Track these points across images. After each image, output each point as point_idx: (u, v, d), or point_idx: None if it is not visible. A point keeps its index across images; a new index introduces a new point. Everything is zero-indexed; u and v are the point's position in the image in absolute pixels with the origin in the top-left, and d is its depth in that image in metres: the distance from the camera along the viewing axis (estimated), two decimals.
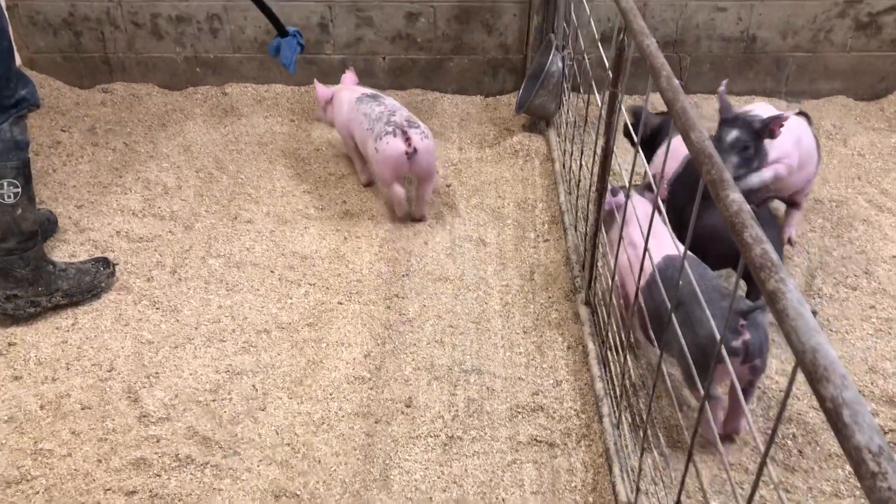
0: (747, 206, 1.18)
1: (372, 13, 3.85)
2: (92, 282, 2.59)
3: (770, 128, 2.29)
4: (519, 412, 2.21)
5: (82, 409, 2.21)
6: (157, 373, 2.31)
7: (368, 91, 3.20)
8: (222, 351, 2.40)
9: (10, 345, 2.42)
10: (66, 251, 2.83)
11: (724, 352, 1.25)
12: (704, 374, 1.71)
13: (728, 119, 2.33)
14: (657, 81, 1.61)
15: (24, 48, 3.95)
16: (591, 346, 2.33)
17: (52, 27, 3.90)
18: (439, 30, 3.89)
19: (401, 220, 3.03)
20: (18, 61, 3.96)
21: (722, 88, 2.37)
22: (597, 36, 2.53)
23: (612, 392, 2.17)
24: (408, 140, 2.82)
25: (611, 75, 2.14)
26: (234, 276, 2.73)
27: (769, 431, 1.96)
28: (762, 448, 1.11)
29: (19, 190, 2.38)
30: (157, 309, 2.57)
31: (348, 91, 3.25)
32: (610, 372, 2.22)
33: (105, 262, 2.67)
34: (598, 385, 2.19)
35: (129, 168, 3.36)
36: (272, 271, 2.76)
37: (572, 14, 3.15)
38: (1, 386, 2.28)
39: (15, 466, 2.03)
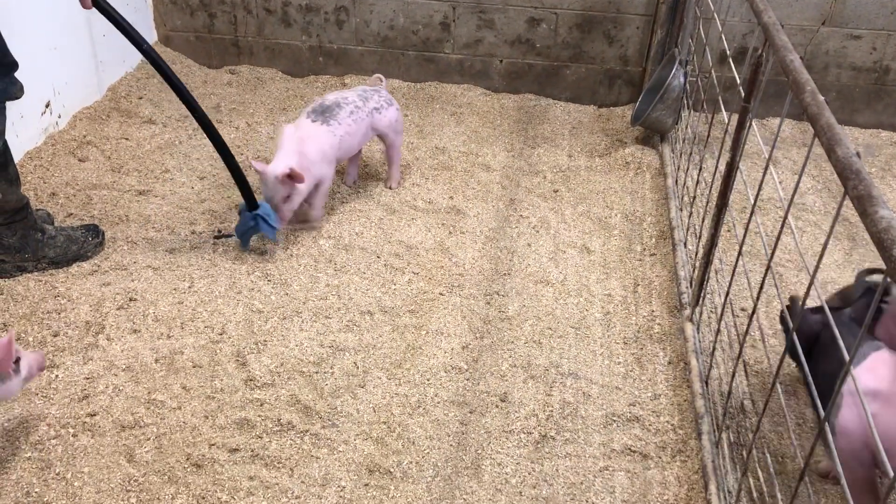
0: None
1: (494, 16, 3.90)
2: (79, 251, 2.68)
3: None
4: (614, 420, 2.19)
5: (193, 366, 2.31)
6: (265, 341, 2.40)
7: (302, 119, 2.92)
8: (327, 327, 2.47)
9: (130, 300, 2.56)
10: (186, 218, 2.97)
11: None
12: None
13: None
14: (801, 97, 1.58)
15: (162, 26, 4.17)
16: (694, 363, 2.30)
17: (190, 8, 4.10)
18: (559, 37, 3.91)
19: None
20: (155, 37, 4.19)
21: None
22: (728, 53, 2.50)
23: (712, 411, 2.13)
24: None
25: (742, 91, 2.11)
26: (343, 257, 2.81)
27: None
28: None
29: None
30: (268, 281, 2.67)
31: (293, 132, 2.85)
32: (712, 391, 2.18)
33: (94, 231, 2.74)
34: (699, 402, 2.16)
35: (250, 147, 3.51)
36: (378, 257, 2.82)
37: (700, 30, 3.11)
38: (120, 338, 2.41)
39: (130, 412, 2.14)
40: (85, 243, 2.71)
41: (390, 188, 3.25)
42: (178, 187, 3.17)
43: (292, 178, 2.71)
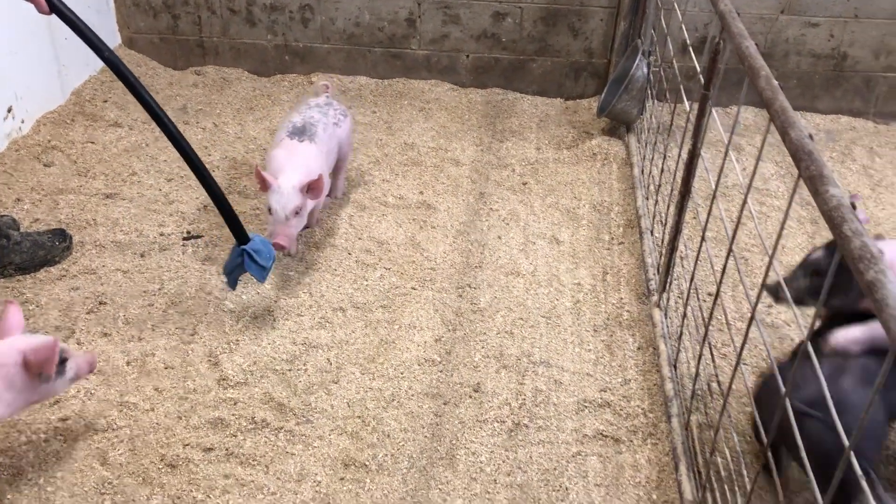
0: (846, 202, 1.19)
1: (459, 11, 3.91)
2: (46, 256, 2.66)
3: None
4: (586, 406, 2.22)
5: (165, 368, 2.31)
6: (237, 340, 2.40)
7: (287, 142, 2.78)
8: (300, 324, 2.48)
9: (100, 304, 2.55)
10: (154, 220, 2.96)
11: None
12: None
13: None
14: (755, 82, 1.61)
15: (126, 28, 4.14)
16: (662, 347, 2.34)
17: (153, 10, 4.07)
18: (525, 31, 3.93)
19: (473, 213, 3.09)
20: (119, 40, 4.16)
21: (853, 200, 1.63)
22: (688, 42, 2.54)
23: (681, 394, 2.17)
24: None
25: (702, 79, 2.14)
26: (313, 255, 2.81)
27: None
28: None
29: None
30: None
31: (287, 152, 2.74)
32: (680, 374, 2.22)
33: (62, 236, 2.72)
34: (668, 386, 2.19)
35: (217, 147, 3.49)
36: (349, 253, 2.83)
37: (661, 21, 3.15)
38: (91, 341, 2.40)
39: (102, 416, 2.14)
40: (52, 248, 2.69)
41: (336, 198, 3.15)
42: (146, 190, 3.15)
43: (312, 188, 2.58)
